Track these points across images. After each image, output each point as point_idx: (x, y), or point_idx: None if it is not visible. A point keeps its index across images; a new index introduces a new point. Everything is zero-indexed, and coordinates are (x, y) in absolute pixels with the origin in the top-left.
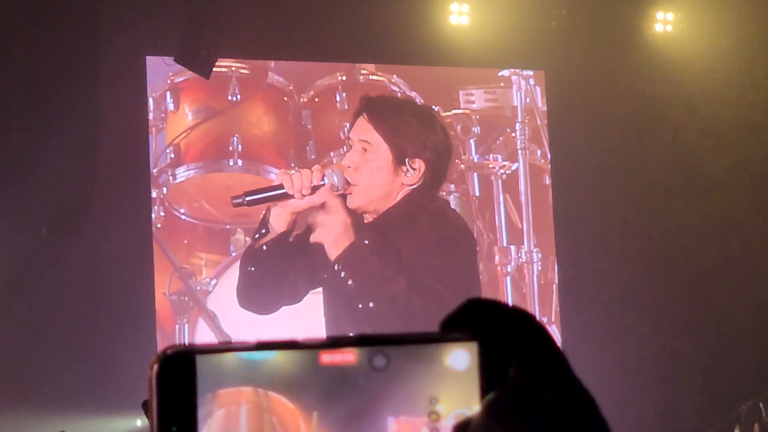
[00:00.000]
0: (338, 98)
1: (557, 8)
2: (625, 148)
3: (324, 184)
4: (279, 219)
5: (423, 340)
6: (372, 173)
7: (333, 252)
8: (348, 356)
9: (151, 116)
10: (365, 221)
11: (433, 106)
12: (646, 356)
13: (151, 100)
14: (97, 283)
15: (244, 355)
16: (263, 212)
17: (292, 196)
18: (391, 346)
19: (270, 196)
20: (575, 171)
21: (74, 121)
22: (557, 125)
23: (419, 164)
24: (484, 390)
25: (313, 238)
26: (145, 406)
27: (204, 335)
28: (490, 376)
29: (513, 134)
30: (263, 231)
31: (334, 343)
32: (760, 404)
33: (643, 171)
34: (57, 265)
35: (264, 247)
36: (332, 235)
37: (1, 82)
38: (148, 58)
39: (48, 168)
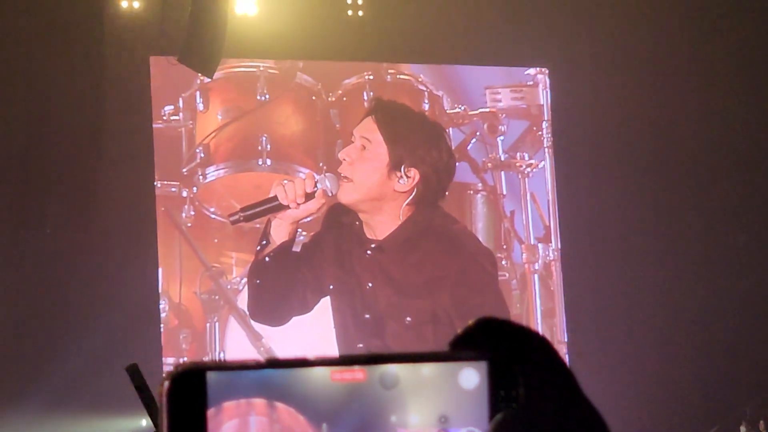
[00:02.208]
0: (366, 97)
1: (561, 6)
2: (631, 143)
3: (317, 190)
4: (279, 230)
5: (433, 359)
6: (366, 172)
7: None
8: (358, 374)
9: (180, 116)
10: (368, 239)
11: (460, 106)
12: (655, 353)
13: (181, 101)
14: (102, 281)
15: (254, 372)
16: (264, 224)
17: (288, 207)
18: (401, 365)
19: (265, 209)
20: (579, 167)
21: (78, 119)
22: (560, 122)
23: (414, 173)
24: (494, 409)
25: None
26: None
27: (234, 334)
28: (499, 396)
29: (539, 132)
30: (264, 242)
31: (344, 360)
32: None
33: (648, 168)
34: (61, 264)
35: (267, 259)
36: None
37: (5, 81)
38: (152, 57)
39: (52, 167)
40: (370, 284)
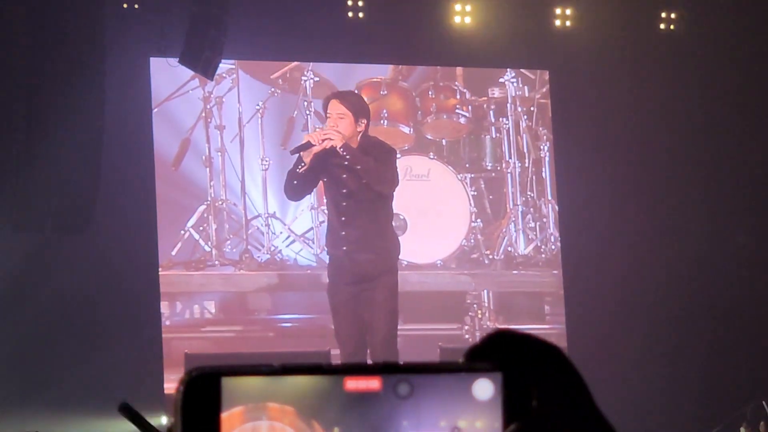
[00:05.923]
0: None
1: (562, 8)
2: (630, 146)
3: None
4: (306, 156)
5: (448, 369)
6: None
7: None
8: (372, 383)
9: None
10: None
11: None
12: (656, 354)
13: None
14: (102, 283)
15: (268, 378)
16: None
17: (313, 146)
18: (416, 374)
19: (304, 145)
20: (579, 168)
21: (78, 121)
22: (561, 124)
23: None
24: (507, 420)
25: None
26: (125, 410)
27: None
28: (513, 407)
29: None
30: (302, 165)
31: (359, 369)
32: (764, 403)
33: (648, 169)
34: (61, 265)
35: (299, 170)
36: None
37: (4, 82)
38: (152, 59)
39: (52, 167)
40: (344, 175)
